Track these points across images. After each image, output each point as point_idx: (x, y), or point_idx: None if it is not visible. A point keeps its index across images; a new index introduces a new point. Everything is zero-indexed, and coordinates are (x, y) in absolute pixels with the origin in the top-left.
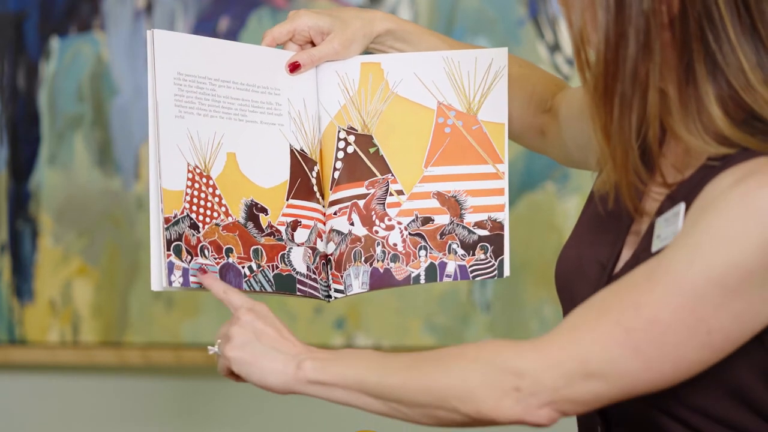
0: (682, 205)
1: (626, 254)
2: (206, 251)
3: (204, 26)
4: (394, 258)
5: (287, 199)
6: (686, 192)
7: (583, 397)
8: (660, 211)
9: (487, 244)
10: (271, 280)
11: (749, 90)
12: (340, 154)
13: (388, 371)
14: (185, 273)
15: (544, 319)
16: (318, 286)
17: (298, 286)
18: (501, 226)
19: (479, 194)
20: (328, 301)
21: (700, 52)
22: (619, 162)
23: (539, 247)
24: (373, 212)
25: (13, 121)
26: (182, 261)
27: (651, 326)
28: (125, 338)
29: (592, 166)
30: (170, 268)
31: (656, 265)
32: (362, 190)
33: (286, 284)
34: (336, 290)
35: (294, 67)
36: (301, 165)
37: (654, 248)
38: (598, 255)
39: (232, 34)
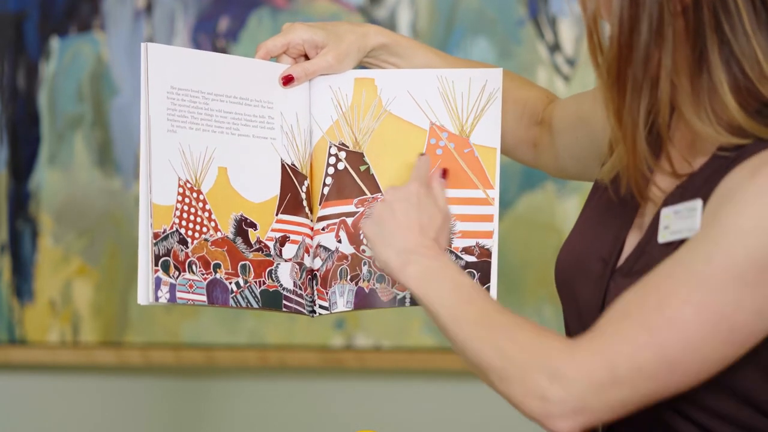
0: (699, 202)
1: (629, 247)
2: (194, 267)
3: (204, 26)
4: (380, 279)
5: (277, 215)
6: (699, 185)
7: (609, 406)
8: (668, 202)
9: (474, 271)
10: (258, 296)
11: (764, 81)
12: (331, 170)
13: (460, 318)
14: (172, 288)
15: (544, 319)
16: (303, 301)
17: (284, 302)
18: (489, 253)
19: (468, 219)
20: (312, 317)
21: (714, 41)
22: (629, 146)
23: (539, 247)
24: (361, 231)
25: (13, 121)
26: (170, 277)
27: (675, 326)
28: (125, 338)
29: (586, 176)
30: (157, 283)
31: (676, 263)
32: (351, 208)
33: (272, 300)
34: (321, 306)
35: (287, 80)
36: (291, 179)
37: (661, 239)
38: (599, 250)
39: (232, 34)
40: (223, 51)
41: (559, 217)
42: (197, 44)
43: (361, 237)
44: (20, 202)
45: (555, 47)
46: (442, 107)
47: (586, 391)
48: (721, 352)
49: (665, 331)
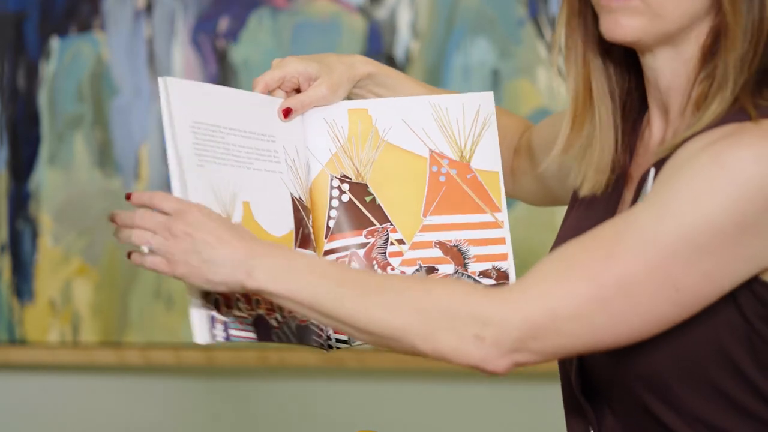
0: (651, 170)
1: None
2: (239, 303)
3: (204, 26)
4: None
5: (295, 248)
6: (659, 162)
7: (546, 350)
8: (637, 195)
9: None
10: (294, 331)
11: None
12: (335, 203)
13: (344, 295)
14: (226, 326)
15: None
16: (323, 334)
17: (312, 336)
18: (506, 276)
19: (481, 243)
20: (328, 351)
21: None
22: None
23: (539, 248)
24: (374, 261)
25: (13, 121)
26: (221, 314)
27: (620, 281)
28: (125, 338)
29: (567, 198)
30: (212, 321)
31: (625, 220)
32: (361, 239)
33: (305, 336)
34: (338, 340)
35: (287, 113)
36: (301, 213)
37: None
38: None
39: (232, 34)
40: (223, 51)
41: (559, 217)
42: (197, 44)
43: (179, 275)
44: (20, 202)
45: None
46: (439, 134)
47: (524, 331)
48: (665, 310)
49: (611, 285)
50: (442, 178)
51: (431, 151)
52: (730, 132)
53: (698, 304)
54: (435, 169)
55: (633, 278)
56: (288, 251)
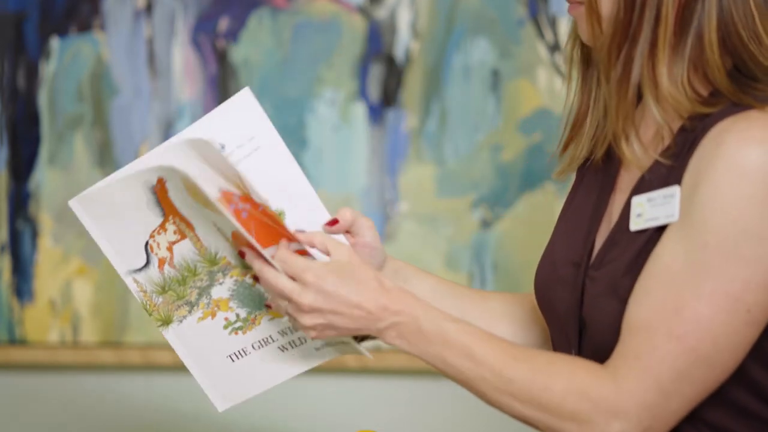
0: (676, 188)
1: (599, 243)
2: None
3: (204, 26)
4: None
5: None
6: (665, 170)
7: (666, 420)
8: (635, 191)
9: None
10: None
11: (755, 41)
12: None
13: (475, 377)
14: None
15: None
16: None
17: None
18: None
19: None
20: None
21: (713, 1)
22: (622, 105)
23: (539, 248)
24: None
25: (13, 121)
26: None
27: (698, 324)
28: (125, 338)
29: None
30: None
31: (673, 258)
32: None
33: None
34: None
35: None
36: None
37: (633, 227)
38: (571, 255)
39: (232, 34)
40: (223, 51)
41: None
42: (197, 44)
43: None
44: (20, 202)
45: (555, 47)
46: (213, 172)
47: (644, 415)
48: (745, 334)
49: (691, 332)
50: (244, 214)
51: (220, 190)
52: (728, 126)
53: (766, 318)
54: (233, 207)
55: (706, 316)
56: (416, 305)
